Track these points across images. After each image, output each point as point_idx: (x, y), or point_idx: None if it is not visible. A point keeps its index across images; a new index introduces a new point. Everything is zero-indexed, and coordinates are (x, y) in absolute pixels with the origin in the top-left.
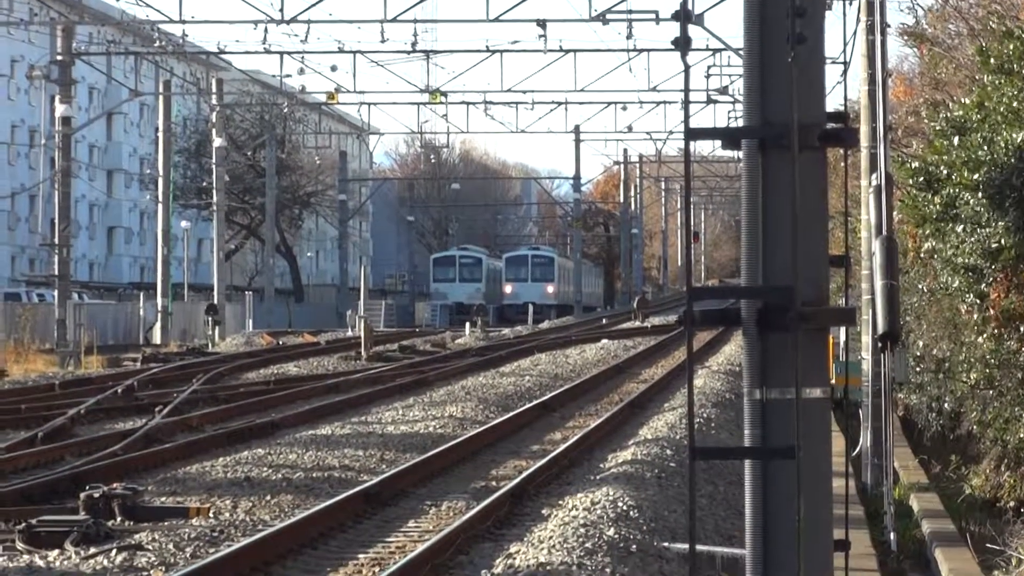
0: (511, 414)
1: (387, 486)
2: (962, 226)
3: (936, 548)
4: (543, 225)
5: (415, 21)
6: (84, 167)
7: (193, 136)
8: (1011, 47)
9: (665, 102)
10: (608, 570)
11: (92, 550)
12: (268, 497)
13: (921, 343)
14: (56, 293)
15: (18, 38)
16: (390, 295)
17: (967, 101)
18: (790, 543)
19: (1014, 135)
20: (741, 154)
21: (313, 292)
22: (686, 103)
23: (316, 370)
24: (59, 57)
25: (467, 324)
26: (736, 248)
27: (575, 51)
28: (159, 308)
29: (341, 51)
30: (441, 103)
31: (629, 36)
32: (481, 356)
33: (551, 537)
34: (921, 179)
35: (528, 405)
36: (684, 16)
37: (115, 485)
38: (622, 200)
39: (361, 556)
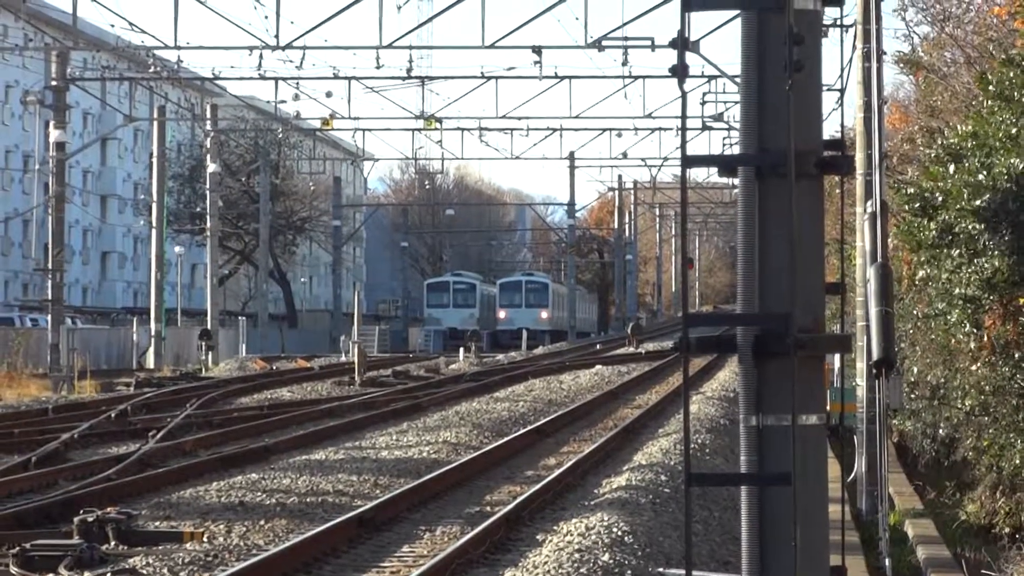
0: (505, 439)
1: (381, 511)
2: (958, 251)
3: (931, 574)
4: (537, 251)
5: (410, 47)
6: (78, 192)
7: (187, 162)
8: (1011, 74)
9: (660, 129)
10: None
11: (86, 574)
12: (262, 522)
13: (916, 369)
14: (49, 318)
15: (12, 63)
16: (384, 320)
17: (962, 129)
18: (787, 569)
19: (1012, 161)
20: (737, 181)
21: (307, 317)
22: (683, 130)
23: (310, 395)
24: (53, 83)
25: (461, 349)
26: (731, 274)
27: (570, 78)
28: (152, 333)
29: (336, 77)
30: (436, 129)
31: (625, 63)
32: (475, 381)
33: (546, 562)
34: (917, 205)
35: (522, 430)
36: (681, 43)
37: (109, 509)
38: (616, 226)
39: None
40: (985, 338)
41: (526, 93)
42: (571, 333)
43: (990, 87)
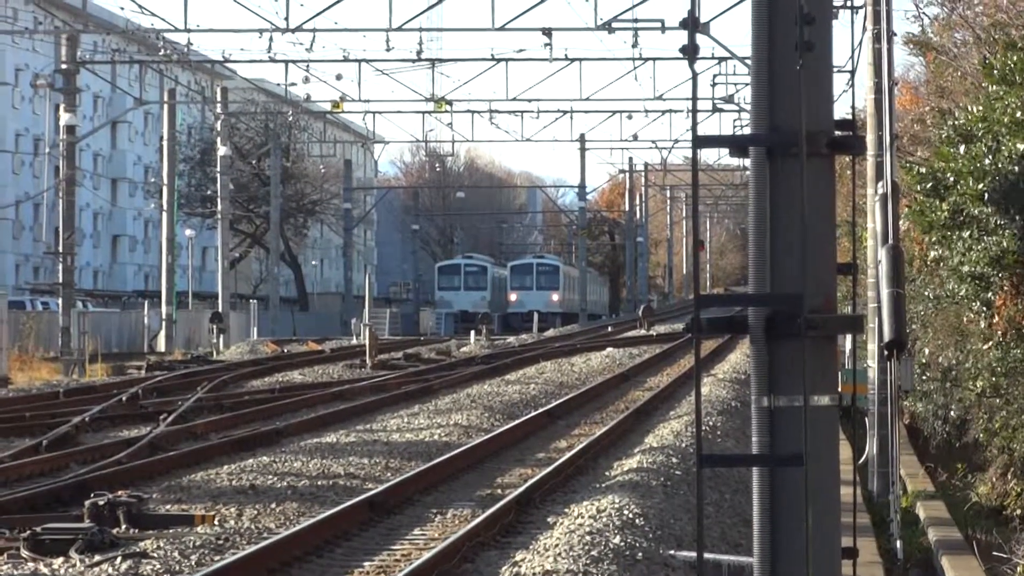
0: (516, 422)
1: (392, 494)
2: (969, 232)
3: (942, 556)
4: (548, 234)
5: (420, 30)
6: (88, 175)
7: (198, 145)
8: (1014, 59)
9: (671, 111)
10: None
11: (97, 558)
12: (273, 505)
13: (927, 351)
14: (60, 301)
15: (23, 47)
16: (395, 303)
17: (972, 109)
18: (798, 551)
19: (1018, 145)
20: (748, 162)
21: (318, 300)
22: (694, 111)
23: (321, 378)
24: (63, 66)
25: (472, 332)
26: (741, 256)
27: (581, 60)
28: (163, 316)
29: (346, 60)
30: (446, 112)
31: (635, 45)
32: (486, 364)
33: (557, 545)
34: (928, 185)
35: (533, 413)
36: (692, 24)
37: (120, 493)
38: (627, 209)
39: (367, 564)
40: (996, 317)
41: (536, 75)
42: (582, 316)
43: (994, 72)
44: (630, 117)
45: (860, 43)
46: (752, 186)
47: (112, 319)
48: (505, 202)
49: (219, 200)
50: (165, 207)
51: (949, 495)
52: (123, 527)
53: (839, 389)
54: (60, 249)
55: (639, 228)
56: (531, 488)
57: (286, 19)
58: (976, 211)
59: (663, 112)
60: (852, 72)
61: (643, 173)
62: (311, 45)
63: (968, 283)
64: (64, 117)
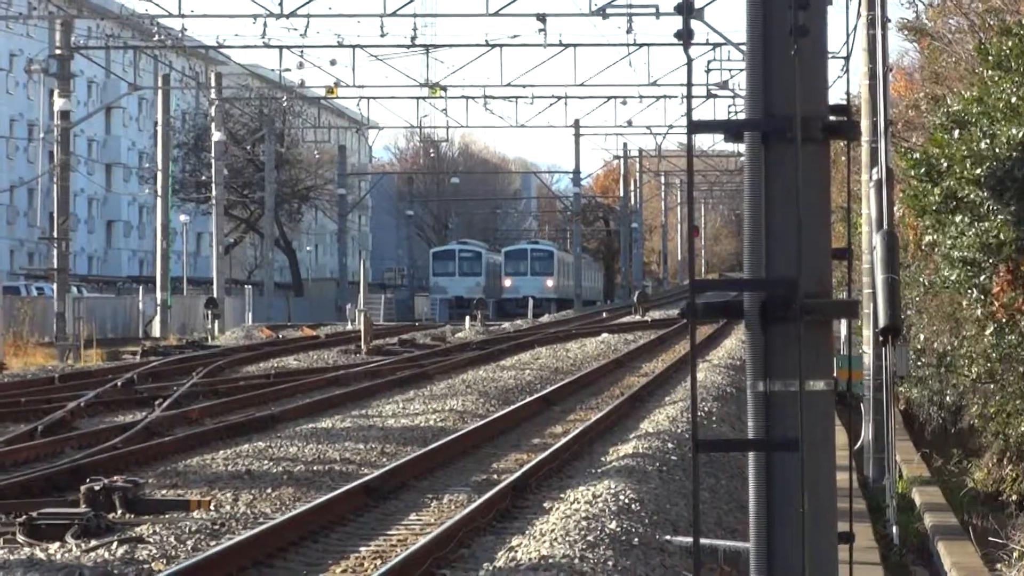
0: (512, 408)
1: (388, 479)
2: (961, 217)
3: (938, 541)
4: (543, 219)
5: (415, 15)
6: (83, 161)
7: (192, 130)
8: (1010, 44)
9: (665, 96)
10: (610, 563)
11: (93, 543)
12: (269, 490)
13: (922, 337)
14: (55, 287)
15: (17, 32)
16: (389, 289)
17: (967, 95)
18: (794, 536)
19: (1013, 131)
20: (743, 147)
21: (312, 286)
22: (688, 96)
23: (316, 363)
24: (58, 51)
25: (467, 318)
26: (736, 242)
27: (575, 45)
28: (158, 302)
29: (340, 45)
30: (441, 97)
31: (629, 30)
32: (481, 350)
33: (553, 530)
34: (923, 170)
35: (529, 399)
36: (687, 9)
37: (116, 478)
38: (622, 194)
39: (363, 549)
40: (995, 304)
41: (531, 61)
42: (577, 301)
43: (989, 57)
44: (624, 103)
45: (855, 29)
46: (747, 171)
47: (107, 304)
48: (500, 188)
49: (213, 186)
50: (159, 193)
51: (945, 481)
52: (119, 512)
53: (834, 374)
54: (55, 234)
55: (634, 214)
56: (527, 473)
57: (280, 5)
58: (972, 196)
59: (657, 98)
60: (847, 58)
61: (638, 159)
62: (305, 31)
63: (960, 268)
64: (58, 103)
